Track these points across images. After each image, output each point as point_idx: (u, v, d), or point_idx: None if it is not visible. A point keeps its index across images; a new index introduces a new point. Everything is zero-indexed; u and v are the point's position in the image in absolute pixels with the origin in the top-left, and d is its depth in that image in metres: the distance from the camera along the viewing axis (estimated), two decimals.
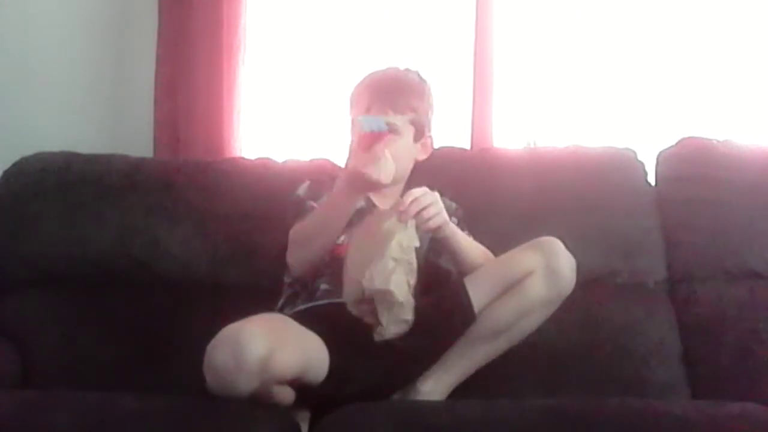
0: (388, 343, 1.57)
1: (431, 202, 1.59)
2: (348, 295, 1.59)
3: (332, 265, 1.73)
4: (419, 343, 1.60)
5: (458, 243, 1.68)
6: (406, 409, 1.48)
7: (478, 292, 1.64)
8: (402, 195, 1.63)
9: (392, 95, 1.81)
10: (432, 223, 1.61)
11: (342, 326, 1.58)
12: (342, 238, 1.75)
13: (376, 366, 1.59)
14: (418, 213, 1.58)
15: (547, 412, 1.36)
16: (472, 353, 1.65)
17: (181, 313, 1.91)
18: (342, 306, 1.60)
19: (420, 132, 1.84)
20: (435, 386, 1.64)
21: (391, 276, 1.53)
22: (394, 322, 1.56)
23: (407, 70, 1.88)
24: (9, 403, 1.44)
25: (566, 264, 1.63)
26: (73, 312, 1.94)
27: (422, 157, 1.88)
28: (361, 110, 1.80)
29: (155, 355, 1.85)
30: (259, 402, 1.41)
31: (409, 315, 1.56)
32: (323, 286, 1.73)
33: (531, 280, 1.62)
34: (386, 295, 1.53)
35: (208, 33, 2.27)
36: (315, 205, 1.79)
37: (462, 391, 1.65)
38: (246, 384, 1.35)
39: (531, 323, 1.65)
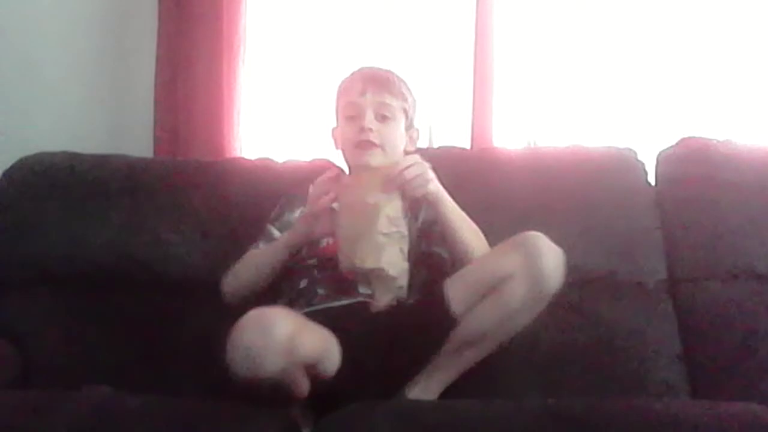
0: (376, 352, 1.59)
1: (419, 173, 1.62)
2: (344, 267, 1.61)
3: (325, 268, 1.75)
4: (405, 351, 1.61)
5: (447, 214, 1.69)
6: (406, 409, 1.48)
7: (459, 296, 1.61)
8: None
9: (387, 81, 1.85)
10: (416, 192, 1.63)
11: (336, 333, 1.58)
12: (325, 240, 1.78)
13: (364, 375, 1.58)
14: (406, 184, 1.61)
15: (546, 412, 1.36)
16: (458, 358, 1.63)
17: (181, 313, 1.91)
18: (337, 312, 1.62)
19: (409, 122, 1.87)
20: (422, 393, 1.62)
21: (381, 253, 1.55)
22: (388, 292, 1.59)
23: (388, 70, 1.91)
24: (9, 403, 1.44)
25: (550, 262, 1.56)
26: (74, 312, 1.94)
27: (410, 148, 1.90)
28: (356, 95, 1.82)
29: (155, 355, 1.85)
30: (280, 389, 1.42)
31: (402, 282, 1.58)
32: (320, 291, 1.73)
33: (511, 284, 1.56)
34: (379, 273, 1.56)
35: (208, 33, 2.28)
36: (274, 230, 1.85)
37: (461, 390, 1.64)
38: (273, 363, 1.35)
39: (517, 324, 1.61)
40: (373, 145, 1.78)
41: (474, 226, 1.73)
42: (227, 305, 1.76)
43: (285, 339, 1.36)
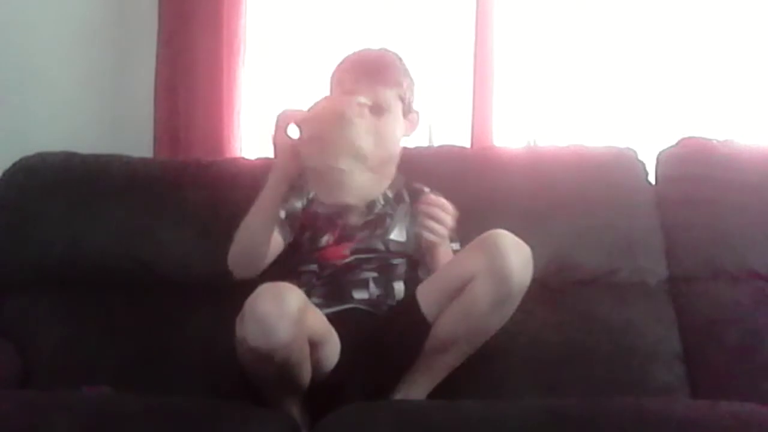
0: (367, 357, 1.59)
1: (440, 220, 1.62)
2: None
3: (322, 275, 1.76)
4: (392, 357, 1.61)
5: (438, 259, 1.69)
6: (406, 409, 1.48)
7: (430, 301, 1.61)
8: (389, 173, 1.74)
9: (379, 71, 1.80)
10: (421, 231, 1.65)
11: None
12: (326, 237, 1.78)
13: (356, 379, 1.59)
14: (427, 218, 1.62)
15: (547, 412, 1.36)
16: (435, 364, 1.62)
17: (182, 313, 1.91)
18: (331, 318, 1.62)
19: (407, 107, 1.84)
20: (405, 397, 1.62)
21: (342, 179, 1.52)
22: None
23: (384, 49, 1.88)
24: (9, 403, 1.44)
25: (513, 261, 1.51)
26: (74, 313, 1.94)
27: (410, 132, 1.88)
28: (349, 88, 1.77)
29: (155, 355, 1.85)
30: (287, 371, 1.46)
31: (370, 163, 1.55)
32: (315, 300, 1.70)
33: (474, 286, 1.53)
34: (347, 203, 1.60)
35: (208, 33, 2.28)
36: (282, 212, 1.79)
37: (461, 390, 1.64)
38: (286, 331, 1.40)
39: (489, 324, 1.59)
40: None
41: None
42: (241, 280, 1.70)
43: (296, 309, 1.42)
